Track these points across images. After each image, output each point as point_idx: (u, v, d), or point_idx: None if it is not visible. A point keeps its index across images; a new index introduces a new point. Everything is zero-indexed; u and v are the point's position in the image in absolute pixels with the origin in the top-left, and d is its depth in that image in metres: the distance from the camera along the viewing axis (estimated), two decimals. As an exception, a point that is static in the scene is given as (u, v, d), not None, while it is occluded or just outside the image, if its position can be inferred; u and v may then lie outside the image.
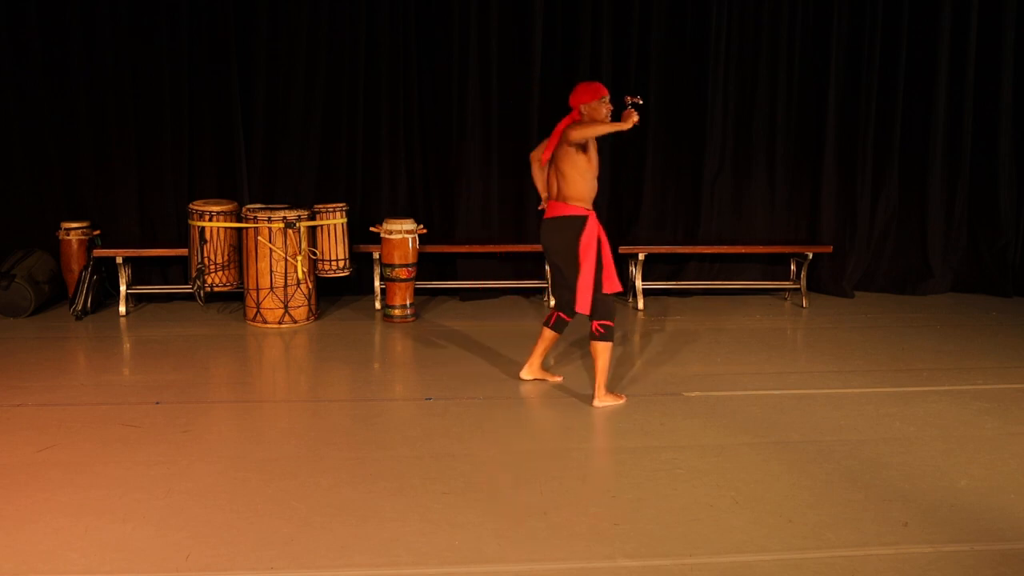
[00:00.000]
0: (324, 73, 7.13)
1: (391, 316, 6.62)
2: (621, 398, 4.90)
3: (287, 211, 6.36)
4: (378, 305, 6.90)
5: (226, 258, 6.45)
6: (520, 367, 5.40)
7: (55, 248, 6.89)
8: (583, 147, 4.65)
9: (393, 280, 6.56)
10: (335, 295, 7.22)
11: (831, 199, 7.63)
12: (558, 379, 5.23)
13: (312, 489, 3.75)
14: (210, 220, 6.36)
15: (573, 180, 4.68)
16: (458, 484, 3.85)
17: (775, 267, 7.70)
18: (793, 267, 7.48)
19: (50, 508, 3.53)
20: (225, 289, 6.59)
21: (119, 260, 6.68)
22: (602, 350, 4.77)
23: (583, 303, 4.67)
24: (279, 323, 6.40)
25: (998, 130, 7.56)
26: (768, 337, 6.38)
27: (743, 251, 7.41)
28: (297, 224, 6.30)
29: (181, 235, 6.94)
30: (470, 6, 7.12)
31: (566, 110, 7.39)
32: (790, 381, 5.32)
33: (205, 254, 6.39)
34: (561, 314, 5.00)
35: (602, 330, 4.74)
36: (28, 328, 6.33)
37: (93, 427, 4.41)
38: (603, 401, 4.81)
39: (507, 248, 7.11)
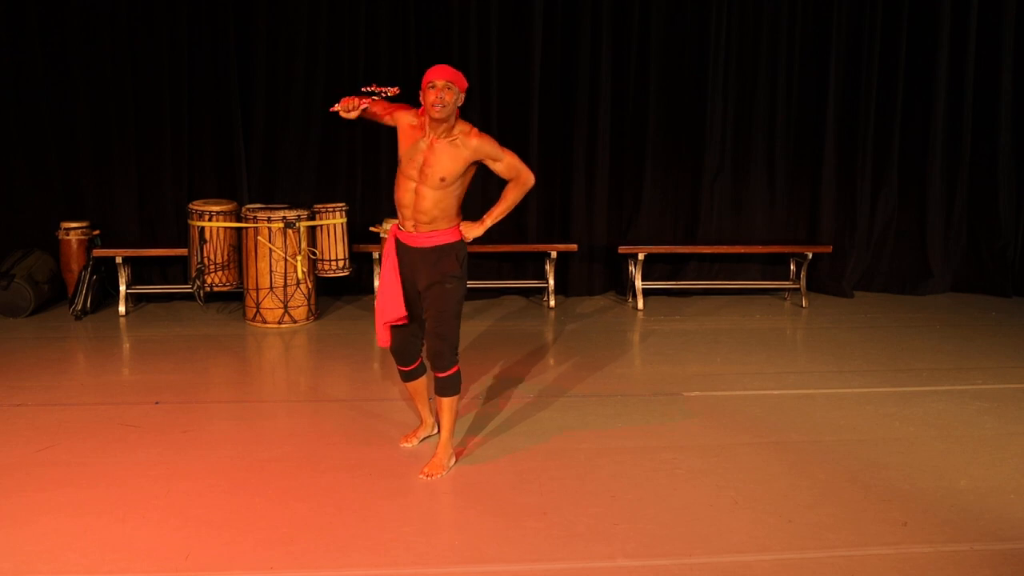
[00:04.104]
0: (324, 73, 7.12)
1: (391, 316, 6.62)
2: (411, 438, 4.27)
3: (287, 211, 6.36)
4: (378, 305, 6.90)
5: (226, 258, 6.45)
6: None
7: (55, 248, 6.89)
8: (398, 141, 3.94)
9: (393, 280, 6.56)
10: (335, 295, 7.22)
11: (831, 199, 7.63)
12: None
13: (312, 489, 3.75)
14: (210, 220, 6.36)
15: None
16: (458, 484, 3.85)
17: (775, 267, 7.70)
18: (793, 267, 7.48)
19: (50, 508, 3.53)
20: (225, 289, 6.59)
21: (119, 260, 6.68)
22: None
23: (378, 336, 4.10)
24: (279, 323, 6.40)
25: (998, 130, 7.56)
26: (768, 337, 6.38)
27: (743, 251, 7.41)
28: (297, 224, 6.30)
29: (181, 235, 6.94)
30: (470, 6, 7.12)
31: (565, 110, 7.47)
32: (790, 381, 5.32)
33: (205, 254, 6.39)
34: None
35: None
36: (28, 328, 6.33)
37: (93, 427, 4.41)
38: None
39: (507, 248, 7.11)
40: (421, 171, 3.81)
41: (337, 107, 3.83)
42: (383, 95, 3.86)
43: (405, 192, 3.86)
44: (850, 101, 7.56)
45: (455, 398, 4.02)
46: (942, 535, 3.41)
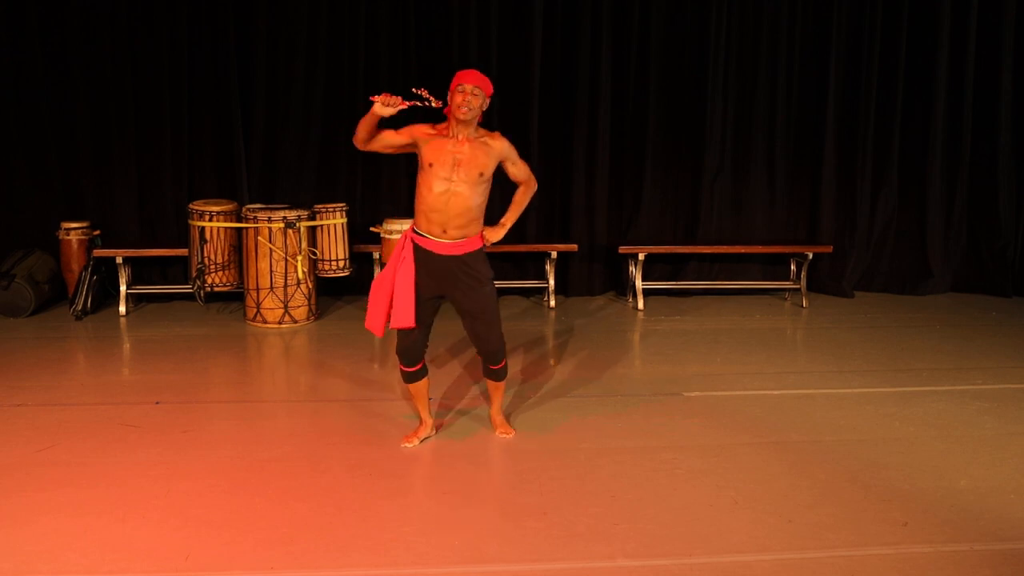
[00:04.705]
0: (324, 73, 7.13)
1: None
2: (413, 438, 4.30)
3: (287, 211, 6.36)
4: (378, 305, 6.90)
5: (226, 258, 6.45)
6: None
7: (55, 248, 6.89)
8: (420, 152, 4.00)
9: (393, 280, 6.56)
10: (335, 295, 7.22)
11: (831, 199, 7.63)
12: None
13: (312, 489, 3.75)
14: (210, 220, 6.36)
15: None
16: (458, 484, 3.85)
17: (775, 267, 7.70)
18: (793, 267, 7.48)
19: (50, 508, 3.53)
20: (225, 289, 6.59)
21: (119, 260, 6.68)
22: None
23: (368, 319, 4.16)
24: (279, 323, 6.40)
25: (998, 130, 7.57)
26: (768, 337, 6.38)
27: (743, 251, 7.41)
28: (297, 224, 6.30)
29: (181, 235, 6.94)
30: (470, 6, 7.12)
31: (565, 110, 7.47)
32: (790, 381, 5.32)
33: (205, 254, 6.39)
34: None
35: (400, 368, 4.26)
36: (28, 328, 6.33)
37: (93, 427, 4.41)
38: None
39: (507, 248, 7.11)
40: (455, 167, 3.91)
41: (378, 97, 3.84)
42: (428, 103, 3.91)
43: (437, 196, 3.92)
44: (850, 101, 7.56)
45: (502, 384, 4.41)
46: (942, 535, 3.41)
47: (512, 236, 7.16)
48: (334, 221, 6.55)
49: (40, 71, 6.91)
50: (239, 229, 6.43)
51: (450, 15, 7.14)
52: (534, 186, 4.28)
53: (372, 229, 6.82)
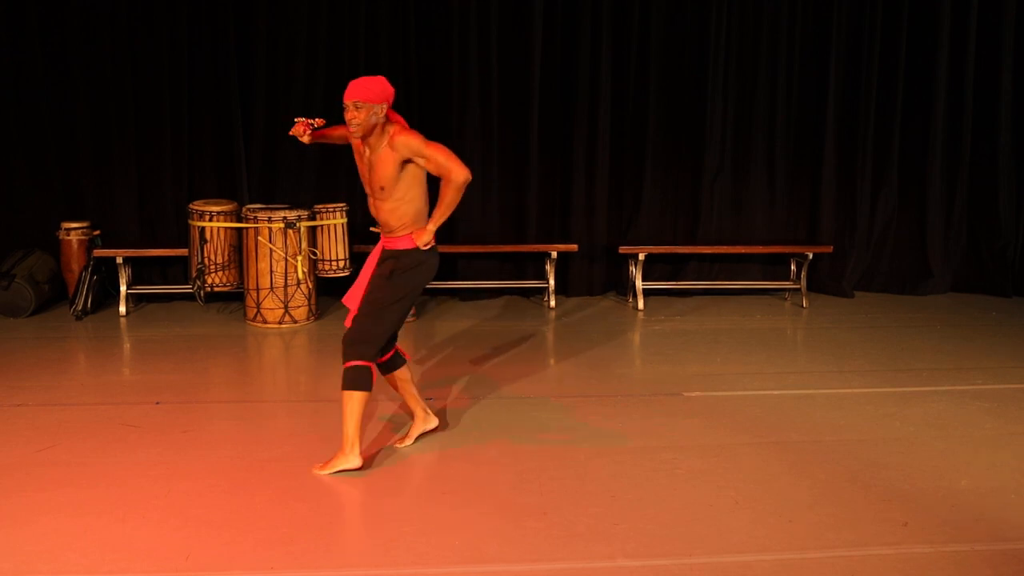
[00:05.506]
0: (324, 73, 7.13)
1: (391, 316, 6.62)
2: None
3: (287, 211, 6.36)
4: (378, 305, 6.90)
5: (226, 258, 6.45)
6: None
7: (55, 248, 6.89)
8: None
9: (393, 280, 6.56)
10: (335, 295, 7.21)
11: (831, 199, 7.63)
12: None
13: (312, 489, 3.75)
14: (210, 220, 6.36)
15: None
16: (458, 484, 3.85)
17: (775, 267, 7.70)
18: (793, 267, 7.48)
19: (50, 508, 3.54)
20: (225, 289, 6.59)
21: (119, 260, 6.68)
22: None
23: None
24: (279, 323, 6.40)
25: (998, 130, 7.56)
26: (768, 337, 6.38)
27: (743, 251, 7.41)
28: (297, 224, 6.30)
29: (181, 235, 6.93)
30: (470, 6, 7.12)
31: (565, 110, 7.47)
32: (790, 381, 5.32)
33: (205, 254, 6.39)
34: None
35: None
36: (28, 328, 6.33)
37: (93, 427, 4.41)
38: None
39: (507, 248, 7.11)
40: (370, 183, 3.97)
41: (293, 132, 4.10)
42: (313, 126, 4.09)
43: (370, 205, 4.04)
44: (850, 101, 7.56)
45: (351, 393, 3.85)
46: (942, 535, 3.42)
47: (512, 236, 7.24)
48: (334, 221, 6.55)
49: (40, 71, 6.91)
50: (239, 229, 6.43)
51: (450, 15, 7.14)
52: (457, 178, 3.81)
53: (372, 229, 6.81)
